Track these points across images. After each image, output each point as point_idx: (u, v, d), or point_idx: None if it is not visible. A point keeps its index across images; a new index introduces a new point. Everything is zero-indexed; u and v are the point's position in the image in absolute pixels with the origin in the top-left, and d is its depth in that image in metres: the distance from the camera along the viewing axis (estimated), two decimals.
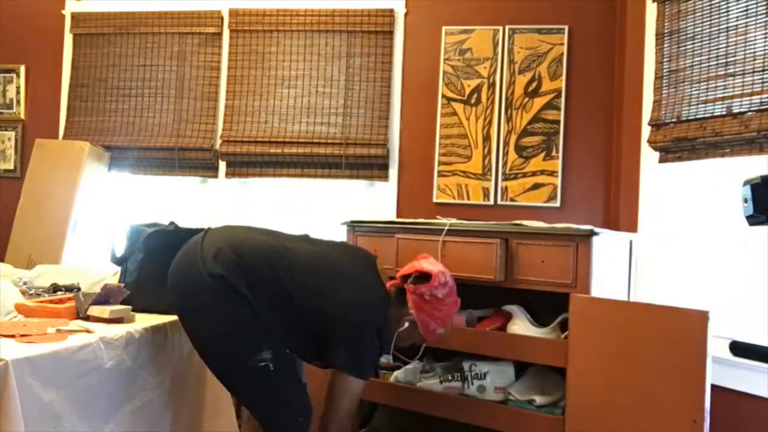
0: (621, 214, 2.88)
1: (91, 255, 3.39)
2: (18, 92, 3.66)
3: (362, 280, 1.91)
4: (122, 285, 2.22)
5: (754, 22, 2.32)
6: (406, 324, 1.90)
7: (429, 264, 1.93)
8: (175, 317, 2.21)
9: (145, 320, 2.08)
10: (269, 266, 1.81)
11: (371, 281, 1.93)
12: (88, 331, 1.83)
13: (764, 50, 2.29)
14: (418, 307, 1.88)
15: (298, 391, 1.85)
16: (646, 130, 2.74)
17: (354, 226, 2.57)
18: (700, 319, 1.72)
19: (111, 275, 2.61)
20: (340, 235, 2.48)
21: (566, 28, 3.11)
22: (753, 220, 1.33)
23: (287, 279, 1.81)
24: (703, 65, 2.51)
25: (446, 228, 2.26)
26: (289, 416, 1.81)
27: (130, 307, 2.08)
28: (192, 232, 2.37)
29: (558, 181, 3.08)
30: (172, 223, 2.37)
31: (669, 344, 1.77)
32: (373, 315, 1.86)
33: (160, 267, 2.27)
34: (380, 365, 2.43)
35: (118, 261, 2.33)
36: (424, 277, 1.89)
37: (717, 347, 2.37)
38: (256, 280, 1.79)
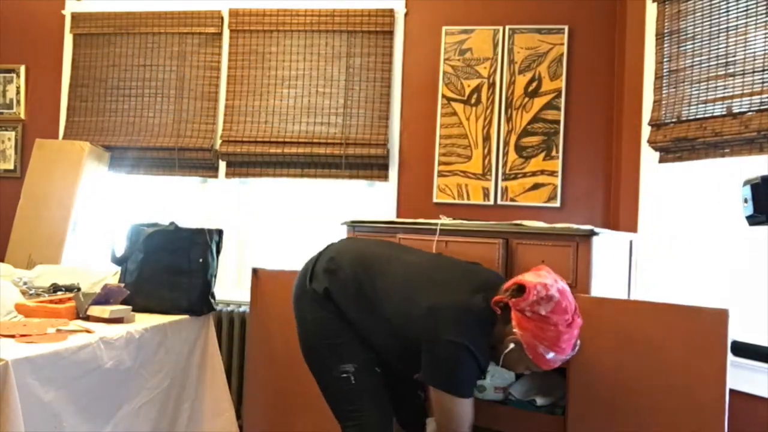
0: (621, 214, 2.88)
1: (91, 255, 3.39)
2: (18, 92, 3.66)
3: (456, 287, 1.80)
4: (122, 285, 2.23)
5: (754, 22, 2.32)
6: (511, 345, 1.69)
7: (534, 275, 1.71)
8: (175, 317, 2.22)
9: (145, 320, 2.08)
10: (364, 272, 1.88)
11: (467, 290, 1.78)
12: (88, 331, 1.84)
13: (764, 50, 2.29)
14: (521, 325, 1.66)
15: (376, 410, 1.85)
16: (646, 130, 2.74)
17: (354, 226, 2.57)
18: (720, 317, 1.73)
19: (111, 275, 2.62)
20: (340, 235, 2.48)
21: (566, 28, 3.11)
22: (753, 220, 1.33)
23: (380, 285, 1.85)
24: (703, 65, 2.51)
25: (438, 227, 2.25)
26: (358, 426, 1.84)
27: (130, 307, 2.09)
28: (193, 232, 2.37)
29: (558, 181, 3.08)
30: (172, 223, 2.38)
31: (687, 343, 1.77)
32: (460, 327, 1.71)
33: (160, 267, 2.28)
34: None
35: (119, 261, 2.34)
36: (522, 289, 1.68)
37: None
38: (349, 287, 1.87)
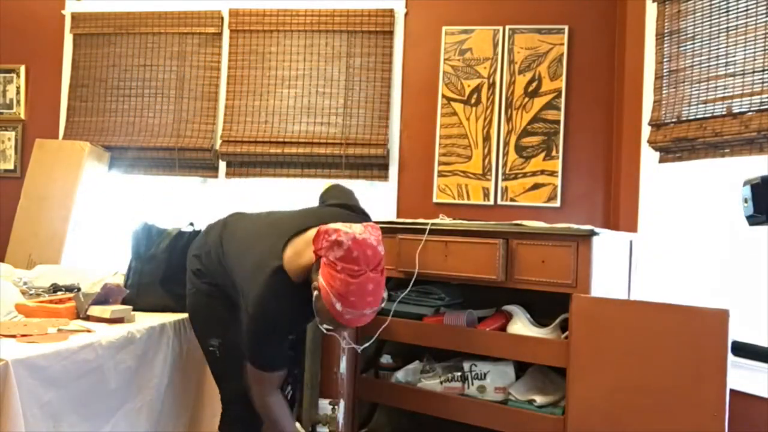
0: (621, 214, 2.88)
1: (91, 255, 3.39)
2: (18, 92, 3.66)
3: (263, 242, 1.83)
4: (120, 284, 2.23)
5: (754, 22, 2.32)
6: (315, 293, 1.68)
7: (346, 225, 1.69)
8: (175, 317, 2.22)
9: (145, 320, 2.08)
10: (220, 244, 2.00)
11: (270, 241, 1.80)
12: (88, 331, 1.83)
13: (764, 50, 2.29)
14: (322, 272, 1.65)
15: (239, 381, 1.93)
16: (646, 130, 2.74)
17: None
18: (721, 317, 1.73)
19: (111, 275, 2.62)
20: None
21: (566, 28, 3.11)
22: (753, 220, 1.33)
23: (226, 252, 1.96)
24: (703, 65, 2.51)
25: (428, 227, 2.26)
26: (226, 399, 2.07)
27: (130, 307, 2.09)
28: (197, 233, 2.39)
29: (558, 181, 3.08)
30: (191, 224, 2.40)
31: (687, 343, 1.77)
32: (256, 278, 1.74)
33: (171, 267, 2.30)
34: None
35: (142, 258, 2.34)
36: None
37: None
38: (208, 261, 2.02)
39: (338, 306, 1.62)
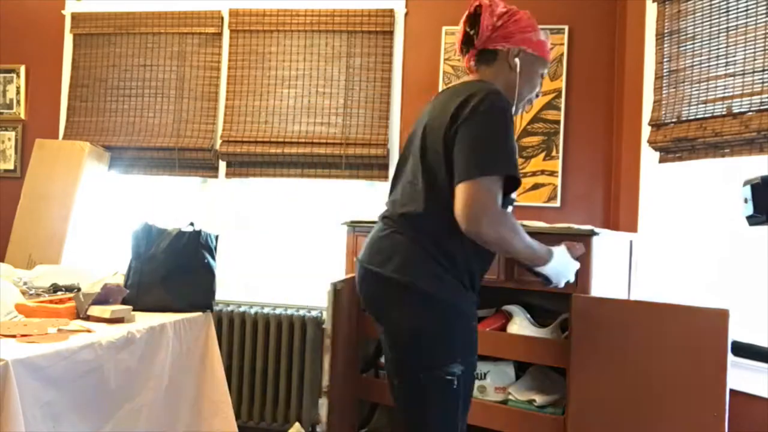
0: (621, 214, 2.88)
1: (91, 255, 3.39)
2: (18, 92, 3.67)
3: None
4: (120, 284, 2.23)
5: (754, 22, 2.32)
6: (518, 59, 1.68)
7: None
8: (175, 317, 2.22)
9: (146, 320, 2.08)
10: None
11: None
12: (88, 331, 1.83)
13: (764, 50, 2.29)
14: (508, 34, 1.70)
15: (463, 423, 1.59)
16: (646, 130, 2.74)
17: (354, 226, 2.57)
18: (721, 317, 1.73)
19: (111, 275, 2.62)
20: (340, 235, 2.48)
21: (566, 28, 3.11)
22: (753, 220, 1.33)
23: None
24: (703, 65, 2.51)
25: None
26: None
27: (130, 307, 2.09)
28: (198, 233, 2.39)
29: (558, 181, 3.08)
30: (191, 224, 2.40)
31: (687, 343, 1.77)
32: (479, 87, 1.61)
33: (171, 266, 2.30)
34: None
35: (142, 258, 2.34)
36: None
37: None
38: None
39: (542, 36, 1.70)
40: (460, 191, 1.46)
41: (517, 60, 1.69)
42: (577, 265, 1.72)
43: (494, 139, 1.50)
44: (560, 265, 1.66)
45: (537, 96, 1.80)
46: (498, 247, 1.55)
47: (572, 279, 1.73)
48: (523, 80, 1.71)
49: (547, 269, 1.65)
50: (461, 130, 1.53)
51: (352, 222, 2.59)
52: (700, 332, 1.76)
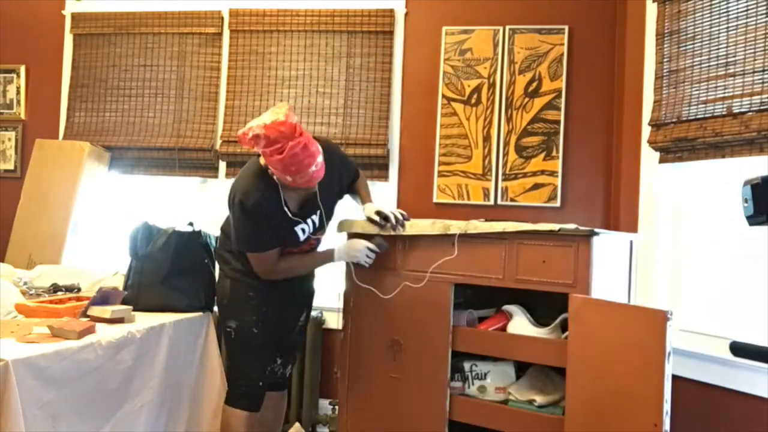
0: (621, 214, 2.88)
1: (91, 255, 3.39)
2: (18, 92, 3.66)
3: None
4: (117, 287, 2.23)
5: (754, 22, 2.32)
6: (275, 178, 2.03)
7: (258, 121, 1.95)
8: (175, 317, 2.22)
9: (146, 320, 2.08)
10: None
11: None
12: (89, 331, 1.83)
13: (764, 50, 2.28)
14: (267, 163, 1.99)
15: (247, 360, 2.21)
16: (646, 130, 2.74)
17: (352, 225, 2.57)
18: (660, 318, 1.66)
19: (111, 275, 2.62)
20: (339, 235, 2.48)
21: (566, 28, 3.11)
22: (753, 220, 1.33)
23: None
24: (703, 65, 2.51)
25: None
26: (234, 375, 2.24)
27: (130, 307, 2.09)
28: (197, 234, 2.40)
29: (558, 181, 3.08)
30: (191, 224, 2.40)
31: (636, 345, 1.73)
32: (241, 176, 2.11)
33: (174, 266, 2.31)
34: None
35: (140, 258, 2.34)
36: None
37: (717, 347, 2.38)
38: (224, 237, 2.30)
39: (289, 179, 1.97)
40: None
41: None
42: (362, 249, 2.24)
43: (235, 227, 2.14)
44: (345, 254, 2.27)
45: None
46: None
47: (362, 260, 2.25)
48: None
49: (337, 260, 2.29)
50: None
51: (352, 222, 2.58)
52: (645, 333, 1.69)
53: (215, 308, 2.39)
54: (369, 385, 2.38)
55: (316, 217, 2.22)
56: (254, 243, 2.12)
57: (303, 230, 2.19)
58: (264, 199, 2.05)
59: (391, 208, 2.32)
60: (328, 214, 2.29)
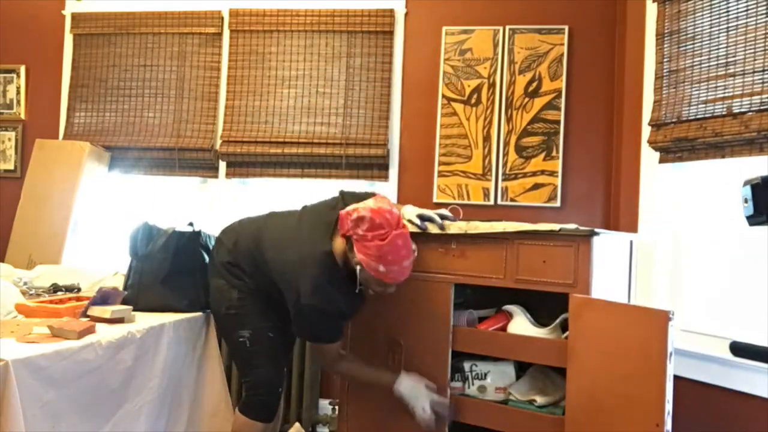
0: (621, 214, 2.88)
1: (91, 255, 3.39)
2: (18, 92, 3.67)
3: (303, 235, 2.07)
4: (117, 287, 2.23)
5: (754, 22, 2.32)
6: (358, 267, 1.94)
7: (363, 205, 1.93)
8: (175, 317, 2.21)
9: (146, 320, 2.08)
10: (254, 243, 2.17)
11: (310, 233, 2.06)
12: (89, 331, 1.83)
13: (764, 50, 2.29)
14: (356, 248, 1.92)
15: (268, 368, 2.18)
16: (646, 131, 2.74)
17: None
18: (662, 318, 1.66)
19: (111, 275, 2.62)
20: None
21: (566, 28, 3.12)
22: (753, 220, 1.33)
23: (263, 251, 2.14)
24: (703, 65, 2.51)
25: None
26: (253, 386, 2.20)
27: (130, 307, 2.09)
28: (197, 234, 2.39)
29: (558, 181, 3.08)
30: (191, 224, 2.40)
31: (637, 345, 1.73)
32: (313, 288, 1.95)
33: (175, 267, 2.31)
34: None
35: (140, 258, 2.34)
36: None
37: (717, 347, 2.38)
38: (244, 259, 2.18)
39: (381, 268, 1.90)
40: None
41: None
42: (425, 402, 2.11)
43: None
44: (408, 392, 2.13)
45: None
46: None
47: (418, 413, 2.10)
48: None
49: (396, 392, 2.14)
50: None
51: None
52: (647, 333, 1.69)
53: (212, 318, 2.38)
54: (369, 386, 2.38)
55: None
56: (326, 334, 2.08)
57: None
58: (332, 285, 1.99)
59: (431, 211, 2.22)
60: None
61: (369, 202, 1.94)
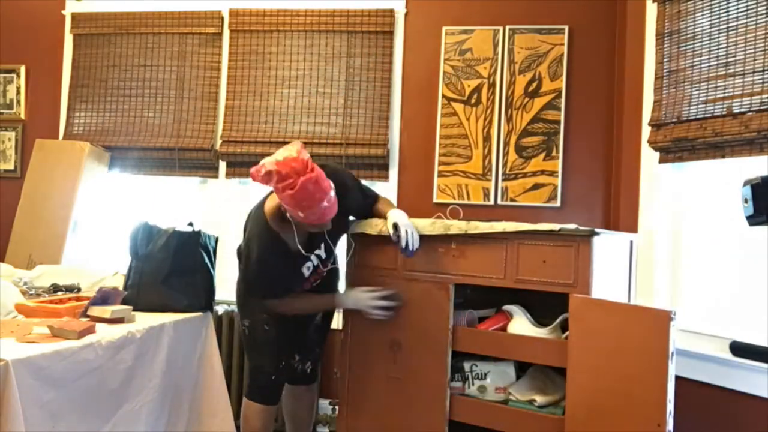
0: (621, 214, 2.88)
1: (91, 255, 3.39)
2: (18, 92, 3.67)
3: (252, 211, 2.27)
4: (117, 287, 2.23)
5: (754, 22, 2.32)
6: (288, 215, 2.07)
7: (270, 158, 1.99)
8: (175, 317, 2.22)
9: (146, 320, 2.08)
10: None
11: (257, 204, 2.25)
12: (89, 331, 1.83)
13: (764, 50, 2.29)
14: (279, 199, 2.02)
15: (262, 356, 2.39)
16: (646, 131, 2.74)
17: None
18: (663, 318, 1.66)
19: (111, 275, 2.62)
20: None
21: (566, 28, 3.12)
22: (753, 220, 1.33)
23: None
24: (703, 65, 2.51)
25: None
26: (251, 370, 2.46)
27: (130, 307, 2.09)
28: (198, 234, 2.40)
29: (558, 181, 3.08)
30: (191, 224, 2.40)
31: (638, 345, 1.73)
32: (252, 224, 2.19)
33: (175, 266, 2.31)
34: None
35: (140, 258, 2.34)
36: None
37: (717, 347, 2.38)
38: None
39: (301, 214, 1.98)
40: None
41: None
42: (371, 302, 2.26)
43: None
44: (352, 303, 2.31)
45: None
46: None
47: (373, 314, 2.26)
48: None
49: (341, 307, 2.39)
50: None
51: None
52: (648, 333, 1.70)
53: (217, 307, 2.49)
54: (369, 385, 2.38)
55: (321, 251, 2.28)
56: (265, 292, 2.26)
57: (308, 268, 2.27)
58: (272, 255, 2.15)
59: (411, 228, 2.20)
60: (334, 245, 2.34)
61: (276, 154, 1.98)
